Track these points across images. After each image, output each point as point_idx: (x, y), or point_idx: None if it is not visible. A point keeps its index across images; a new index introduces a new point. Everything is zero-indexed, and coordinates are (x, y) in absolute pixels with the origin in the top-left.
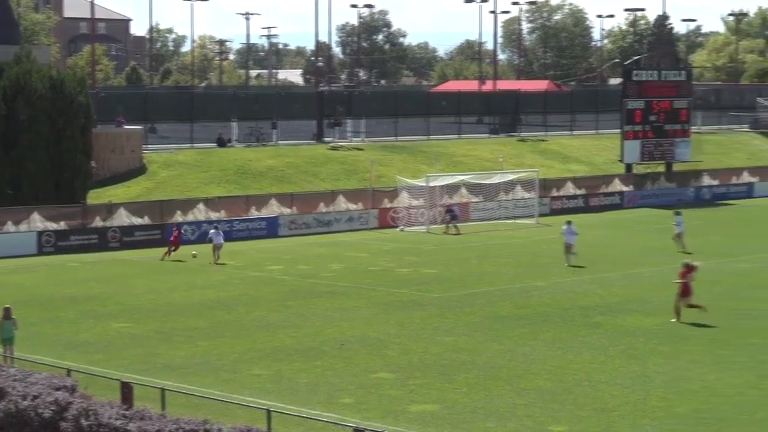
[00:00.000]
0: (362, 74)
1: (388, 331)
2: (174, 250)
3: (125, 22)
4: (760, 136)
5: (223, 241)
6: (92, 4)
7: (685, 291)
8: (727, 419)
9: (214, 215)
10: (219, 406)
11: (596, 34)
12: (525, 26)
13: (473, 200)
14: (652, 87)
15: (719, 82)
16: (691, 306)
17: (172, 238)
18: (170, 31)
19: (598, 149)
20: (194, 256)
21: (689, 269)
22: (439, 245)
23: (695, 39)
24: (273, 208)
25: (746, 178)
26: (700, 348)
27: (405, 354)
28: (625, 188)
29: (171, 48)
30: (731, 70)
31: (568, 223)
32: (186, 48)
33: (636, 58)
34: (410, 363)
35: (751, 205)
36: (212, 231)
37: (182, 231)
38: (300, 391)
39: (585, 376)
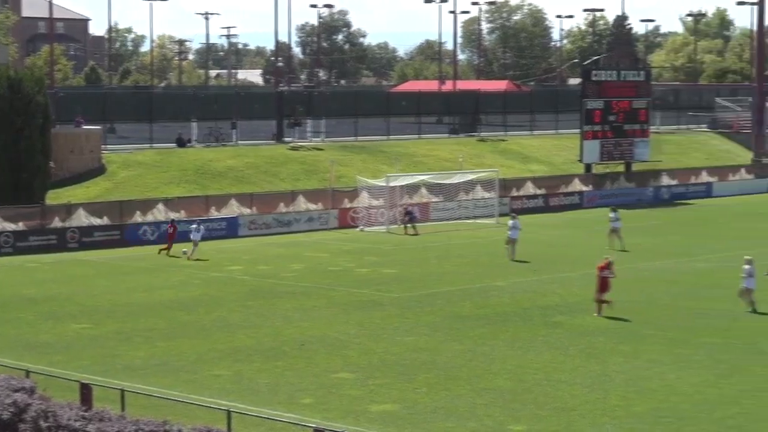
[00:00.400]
0: (322, 74)
1: (348, 331)
2: (169, 247)
3: (84, 22)
4: (718, 136)
5: (199, 239)
6: (51, 4)
7: (602, 286)
8: (686, 418)
9: (174, 215)
10: (179, 406)
11: (555, 35)
12: (484, 26)
13: (433, 200)
14: (611, 87)
15: (678, 82)
16: (602, 302)
17: (168, 235)
18: (129, 30)
19: (557, 149)
20: (185, 253)
21: (606, 265)
22: (399, 245)
23: (654, 39)
24: (233, 208)
25: (705, 177)
26: (660, 347)
27: (365, 354)
28: (584, 188)
29: (130, 48)
30: (690, 70)
31: (513, 217)
32: (145, 48)
33: (595, 58)
34: (370, 363)
35: (709, 205)
36: (193, 226)
37: (177, 226)
38: (260, 392)
39: (545, 375)
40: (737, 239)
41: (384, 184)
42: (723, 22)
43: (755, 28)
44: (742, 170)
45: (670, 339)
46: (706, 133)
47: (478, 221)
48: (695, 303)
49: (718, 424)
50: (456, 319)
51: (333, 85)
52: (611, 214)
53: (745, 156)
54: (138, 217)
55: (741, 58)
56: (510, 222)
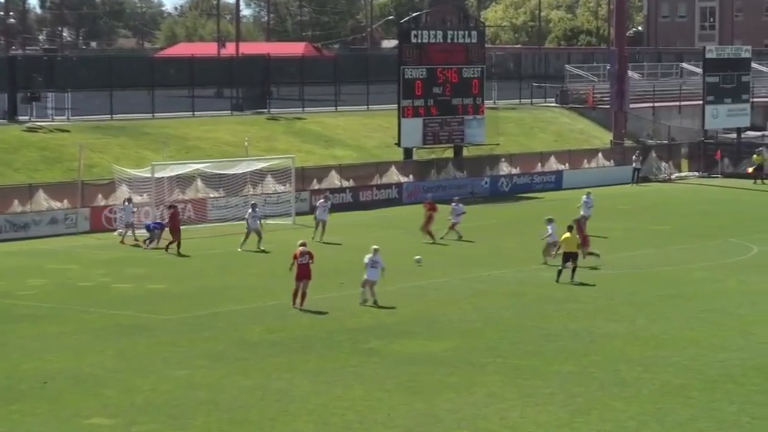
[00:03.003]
0: (67, 34)
1: (105, 364)
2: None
3: None
4: (569, 113)
5: (132, 220)
6: None
7: (301, 274)
8: None
9: None
10: None
11: None
12: None
13: (212, 195)
14: (435, 51)
15: (519, 45)
16: (302, 294)
17: (168, 222)
18: None
19: (369, 130)
20: (419, 261)
21: (304, 252)
22: (170, 253)
23: None
24: None
25: (553, 165)
26: (500, 378)
27: (127, 393)
28: (403, 179)
29: None
30: (533, 30)
31: (253, 206)
32: None
33: (415, 14)
34: (134, 404)
35: (559, 199)
36: (125, 204)
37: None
38: None
39: (356, 416)
40: (593, 241)
41: (148, 175)
42: None
43: None
44: (599, 155)
45: (513, 368)
46: (555, 108)
47: (271, 222)
48: (542, 321)
49: None
50: (243, 346)
51: (81, 48)
52: (322, 202)
53: (603, 137)
54: None
55: (596, 16)
56: (249, 211)
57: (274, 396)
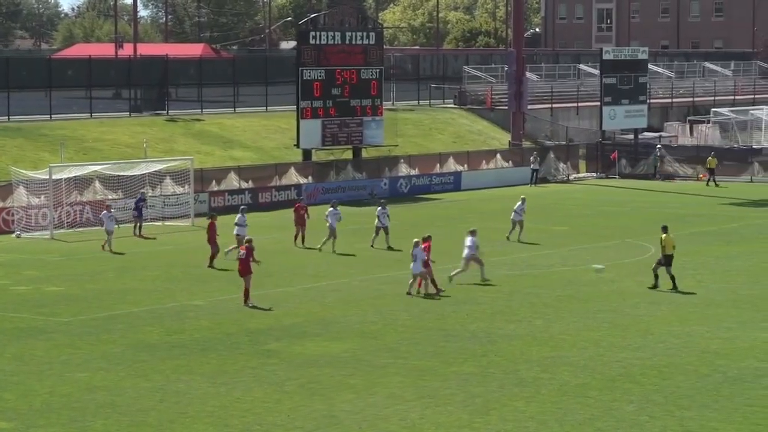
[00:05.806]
0: None
1: (2, 367)
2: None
3: None
4: (467, 114)
5: (114, 227)
6: None
7: (243, 269)
8: None
9: None
10: None
11: None
12: None
13: (110, 197)
14: (334, 52)
15: (417, 47)
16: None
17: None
18: None
19: (268, 131)
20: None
21: (247, 248)
22: (68, 255)
23: None
24: None
25: (452, 166)
26: (400, 379)
27: (25, 396)
28: (303, 180)
29: None
30: (432, 31)
31: (242, 210)
32: None
33: (313, 15)
34: (32, 407)
35: (458, 200)
36: (104, 213)
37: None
38: None
39: (256, 418)
40: (492, 242)
41: (46, 177)
42: None
43: None
44: (498, 156)
45: (413, 369)
46: (453, 110)
47: (169, 223)
48: (443, 323)
49: None
50: (142, 348)
51: None
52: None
53: (502, 138)
54: None
55: (494, 17)
56: (239, 216)
57: (174, 398)
